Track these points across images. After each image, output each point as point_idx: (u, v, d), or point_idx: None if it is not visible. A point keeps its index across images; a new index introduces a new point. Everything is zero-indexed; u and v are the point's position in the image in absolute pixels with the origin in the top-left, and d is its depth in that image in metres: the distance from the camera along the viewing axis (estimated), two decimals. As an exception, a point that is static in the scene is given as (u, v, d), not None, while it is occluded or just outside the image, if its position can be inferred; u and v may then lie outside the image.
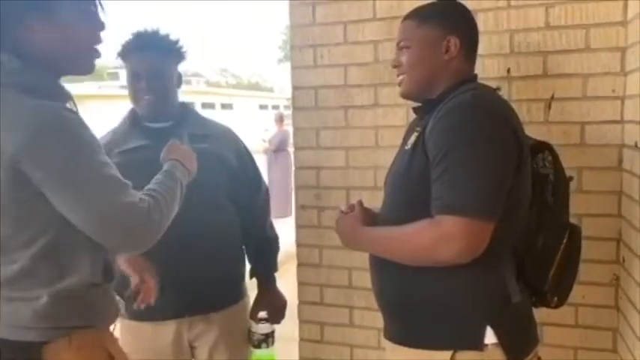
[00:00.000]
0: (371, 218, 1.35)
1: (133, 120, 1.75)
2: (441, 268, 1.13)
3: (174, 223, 1.55)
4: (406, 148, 1.26)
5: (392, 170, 1.35)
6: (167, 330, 1.69)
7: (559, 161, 1.29)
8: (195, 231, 1.60)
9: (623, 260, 1.60)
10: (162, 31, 1.72)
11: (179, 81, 1.77)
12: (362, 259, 1.88)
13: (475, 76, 1.31)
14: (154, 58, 1.66)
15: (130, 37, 1.69)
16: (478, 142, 1.11)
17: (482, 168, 1.09)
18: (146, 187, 1.22)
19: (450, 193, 1.10)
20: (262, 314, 1.72)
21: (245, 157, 1.82)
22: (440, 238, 1.09)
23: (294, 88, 1.98)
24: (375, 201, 1.89)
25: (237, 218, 1.78)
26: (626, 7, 1.57)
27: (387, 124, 1.87)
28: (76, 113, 1.14)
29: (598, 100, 1.63)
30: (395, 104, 1.84)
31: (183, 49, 1.75)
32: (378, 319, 1.88)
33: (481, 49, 1.36)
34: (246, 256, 1.85)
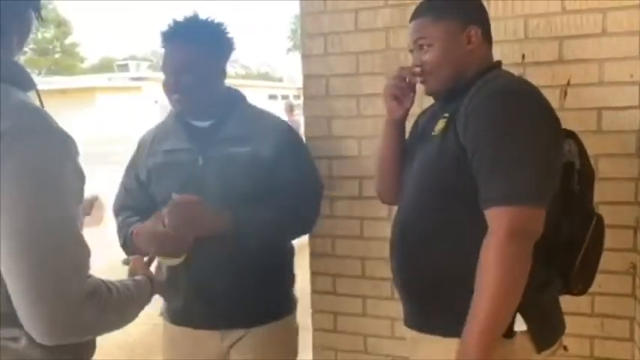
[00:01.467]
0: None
1: (177, 115, 1.62)
2: (473, 251, 1.10)
3: (211, 242, 1.49)
4: (433, 134, 1.24)
5: (415, 159, 1.31)
6: (202, 339, 1.61)
7: (584, 150, 1.28)
8: (230, 241, 1.49)
9: (641, 248, 1.58)
10: (202, 19, 1.54)
11: (222, 74, 1.59)
12: (375, 249, 1.91)
13: (499, 62, 1.31)
14: (184, 51, 1.49)
15: (167, 24, 1.53)
16: (524, 132, 1.10)
17: (530, 153, 1.09)
18: (116, 281, 1.05)
19: (503, 183, 1.09)
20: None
21: (288, 157, 1.56)
22: (507, 236, 1.07)
23: (305, 76, 1.96)
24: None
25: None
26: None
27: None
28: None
29: (615, 85, 1.60)
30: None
31: (226, 39, 1.57)
32: (391, 309, 1.90)
33: (495, 35, 1.34)
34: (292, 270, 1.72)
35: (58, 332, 0.92)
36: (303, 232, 1.73)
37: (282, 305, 1.66)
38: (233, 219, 1.45)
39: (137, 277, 1.19)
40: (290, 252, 1.71)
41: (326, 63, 1.92)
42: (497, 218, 1.08)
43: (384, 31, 1.84)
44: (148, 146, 1.65)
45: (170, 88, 1.53)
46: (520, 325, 1.13)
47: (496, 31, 1.37)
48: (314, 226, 1.71)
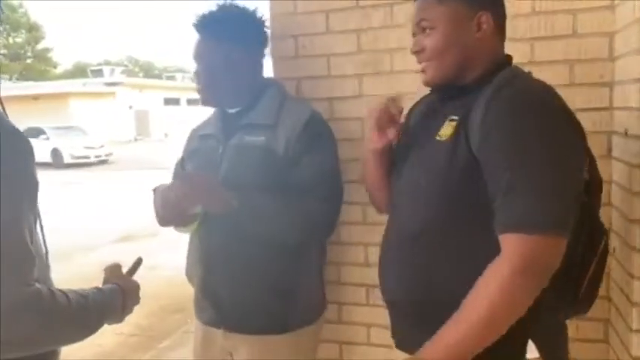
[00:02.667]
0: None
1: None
2: (481, 271, 1.00)
3: (217, 227, 1.51)
4: (439, 139, 1.10)
5: (412, 162, 1.19)
6: (209, 335, 1.64)
7: (593, 158, 1.15)
8: (236, 241, 1.50)
9: (614, 250, 1.57)
10: (233, 7, 1.55)
11: (252, 64, 1.59)
12: (378, 235, 1.81)
13: (510, 57, 1.18)
14: (206, 41, 1.54)
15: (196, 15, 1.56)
16: (552, 148, 0.98)
17: (555, 176, 0.97)
18: (76, 290, 1.02)
19: (523, 207, 0.96)
20: None
21: (303, 151, 1.49)
22: (528, 256, 0.95)
23: (275, 79, 1.92)
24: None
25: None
26: (613, -10, 1.54)
27: (372, 115, 1.82)
28: None
29: (586, 86, 1.60)
30: (380, 94, 1.79)
31: (255, 30, 1.58)
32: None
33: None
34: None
35: None
36: (313, 236, 1.57)
37: (290, 318, 1.55)
38: (237, 200, 1.43)
39: (104, 286, 1.16)
40: (310, 263, 1.61)
41: (297, 65, 1.88)
42: (513, 245, 0.96)
43: (355, 32, 1.81)
44: (194, 132, 1.73)
45: (197, 77, 1.58)
46: (533, 351, 1.05)
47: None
48: (328, 230, 1.57)
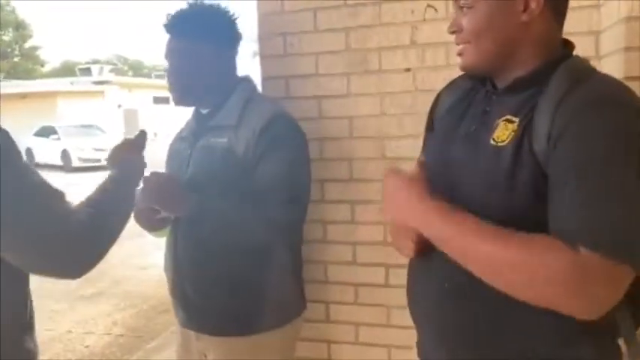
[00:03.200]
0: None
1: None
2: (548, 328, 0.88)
3: (183, 231, 1.51)
4: (494, 143, 0.93)
5: (463, 175, 0.99)
6: (185, 336, 1.64)
7: None
8: (201, 244, 1.49)
9: None
10: (204, 7, 1.54)
11: (223, 63, 1.56)
12: (367, 234, 1.84)
13: (572, 46, 1.02)
14: (175, 42, 1.53)
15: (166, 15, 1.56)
16: (633, 155, 0.81)
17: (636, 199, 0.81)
18: (88, 197, 1.09)
19: (601, 224, 0.79)
20: None
21: (265, 151, 1.45)
22: (584, 277, 0.78)
23: (264, 78, 1.91)
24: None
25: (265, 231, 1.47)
26: (599, -10, 1.55)
27: (361, 114, 1.82)
28: None
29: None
30: (368, 93, 1.80)
31: (226, 28, 1.55)
32: (383, 297, 1.85)
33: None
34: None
35: (70, 252, 0.97)
36: (275, 238, 1.53)
37: (256, 319, 1.52)
38: (196, 202, 1.42)
39: (111, 172, 1.23)
40: (278, 265, 1.56)
41: (285, 64, 1.88)
42: (583, 258, 0.79)
43: (343, 31, 1.80)
44: (177, 134, 1.73)
45: (168, 75, 1.57)
46: None
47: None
48: (290, 232, 1.55)
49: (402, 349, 1.87)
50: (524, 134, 0.89)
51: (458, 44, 1.02)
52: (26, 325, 1.09)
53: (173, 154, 1.67)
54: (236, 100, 1.55)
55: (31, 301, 1.12)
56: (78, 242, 0.98)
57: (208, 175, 1.50)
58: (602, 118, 0.83)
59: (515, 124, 0.91)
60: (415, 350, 1.74)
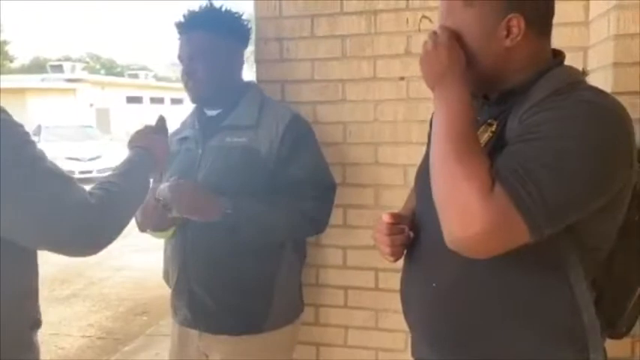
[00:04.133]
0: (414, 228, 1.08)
1: (196, 106, 1.68)
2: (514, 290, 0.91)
3: (193, 230, 1.51)
4: None
5: None
6: (186, 335, 1.63)
7: None
8: (209, 240, 1.50)
9: None
10: (218, 8, 1.56)
11: (237, 63, 1.62)
12: (358, 238, 1.87)
13: (562, 56, 1.03)
14: (195, 39, 1.54)
15: (183, 14, 1.57)
16: (594, 145, 0.83)
17: (583, 177, 0.82)
18: (103, 179, 1.12)
19: (533, 179, 0.81)
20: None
21: (289, 151, 1.52)
22: (494, 214, 0.80)
23: (259, 81, 1.93)
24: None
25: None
26: (587, 7, 1.61)
27: (355, 120, 1.85)
28: None
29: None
30: (363, 100, 1.83)
31: (241, 30, 1.59)
32: (372, 300, 1.89)
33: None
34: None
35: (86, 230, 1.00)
36: (310, 234, 1.68)
37: (265, 319, 1.55)
38: (230, 207, 1.44)
39: (130, 153, 1.24)
40: (288, 265, 1.61)
41: (281, 69, 1.90)
42: (501, 201, 0.81)
43: (340, 38, 1.84)
44: (171, 136, 1.67)
45: (184, 75, 1.56)
46: None
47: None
48: (322, 226, 1.62)
49: (390, 351, 1.90)
50: (500, 134, 0.94)
51: None
52: (36, 321, 1.10)
53: (176, 156, 1.65)
54: (251, 101, 1.60)
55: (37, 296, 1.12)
56: (88, 224, 0.99)
57: (229, 173, 1.51)
58: (573, 116, 0.85)
59: (494, 126, 0.97)
60: (402, 353, 1.79)
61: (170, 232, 1.55)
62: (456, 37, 0.98)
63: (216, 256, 1.52)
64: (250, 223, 1.47)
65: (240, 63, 1.64)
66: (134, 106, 30.86)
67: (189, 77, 1.55)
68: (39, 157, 0.99)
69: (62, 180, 1.00)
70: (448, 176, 0.87)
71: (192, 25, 1.55)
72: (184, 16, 1.57)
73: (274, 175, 1.52)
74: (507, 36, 0.95)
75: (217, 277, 1.53)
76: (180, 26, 1.57)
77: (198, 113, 1.66)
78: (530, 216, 0.80)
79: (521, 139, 0.86)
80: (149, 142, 1.31)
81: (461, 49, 0.98)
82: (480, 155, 0.87)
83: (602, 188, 0.86)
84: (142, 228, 1.55)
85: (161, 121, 1.46)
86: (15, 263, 1.00)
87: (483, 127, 0.98)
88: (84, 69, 33.65)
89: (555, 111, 0.87)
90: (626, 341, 1.52)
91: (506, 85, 1.00)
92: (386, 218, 1.10)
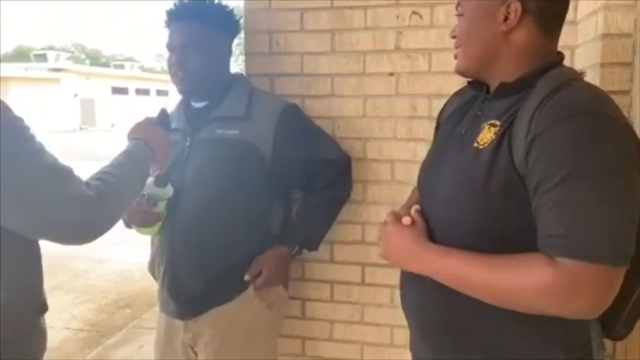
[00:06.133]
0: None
1: (183, 97, 1.66)
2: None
3: (175, 217, 1.50)
4: (476, 146, 0.97)
5: (446, 175, 1.05)
6: (173, 326, 1.63)
7: None
8: (193, 232, 1.51)
9: None
10: (208, 0, 1.56)
11: (226, 55, 1.62)
12: (344, 233, 1.87)
13: (562, 56, 1.04)
14: (187, 28, 1.52)
15: (173, 3, 1.55)
16: (608, 163, 0.84)
17: (616, 199, 0.83)
18: (100, 169, 1.13)
19: (578, 231, 0.82)
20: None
21: (287, 146, 1.54)
22: (569, 286, 0.82)
23: (248, 75, 1.92)
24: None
25: (258, 223, 1.58)
26: (576, 7, 1.63)
27: (343, 115, 1.85)
28: None
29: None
30: (352, 95, 1.83)
31: (231, 22, 1.59)
32: (358, 295, 1.90)
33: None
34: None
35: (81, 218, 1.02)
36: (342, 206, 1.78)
37: (239, 282, 1.57)
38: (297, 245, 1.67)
39: (129, 145, 1.25)
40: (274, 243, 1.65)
41: (270, 62, 1.89)
42: (567, 268, 0.83)
43: (329, 32, 1.83)
44: None
45: (172, 65, 1.53)
46: None
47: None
48: (348, 196, 1.77)
49: (375, 346, 1.91)
50: (503, 137, 0.93)
51: (455, 48, 1.10)
52: (42, 305, 1.13)
53: None
54: (239, 93, 1.60)
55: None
56: (86, 216, 1.02)
57: (221, 165, 1.51)
58: (574, 121, 0.86)
59: (497, 127, 0.96)
60: (388, 347, 1.80)
61: (156, 228, 1.55)
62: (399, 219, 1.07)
63: (206, 248, 1.52)
64: (315, 239, 1.71)
65: (229, 55, 1.64)
66: (119, 97, 30.58)
67: (180, 67, 1.52)
68: (39, 152, 1.00)
69: (61, 174, 1.02)
70: (509, 299, 0.89)
71: (184, 15, 1.53)
72: (176, 4, 1.55)
73: (270, 165, 1.53)
74: (505, 20, 0.98)
75: (207, 267, 1.54)
76: (171, 15, 1.55)
77: (185, 105, 1.65)
78: (601, 256, 0.82)
79: (540, 193, 0.87)
80: (149, 135, 1.30)
81: (424, 231, 1.05)
82: (510, 260, 0.89)
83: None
84: (128, 224, 1.54)
85: (163, 113, 1.45)
86: (17, 249, 1.03)
87: (487, 127, 0.98)
88: (68, 59, 33.26)
89: (555, 142, 0.86)
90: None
91: (502, 77, 1.01)
92: (406, 221, 1.08)
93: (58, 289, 4.95)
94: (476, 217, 0.95)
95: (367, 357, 1.93)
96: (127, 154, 1.21)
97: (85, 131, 27.06)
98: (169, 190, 1.50)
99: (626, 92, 1.42)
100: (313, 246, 1.72)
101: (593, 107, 0.88)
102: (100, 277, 5.41)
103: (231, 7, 1.60)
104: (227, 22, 1.59)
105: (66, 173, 1.02)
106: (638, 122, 1.40)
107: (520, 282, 0.86)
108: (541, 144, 0.86)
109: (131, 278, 5.18)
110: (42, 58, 31.85)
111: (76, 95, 27.75)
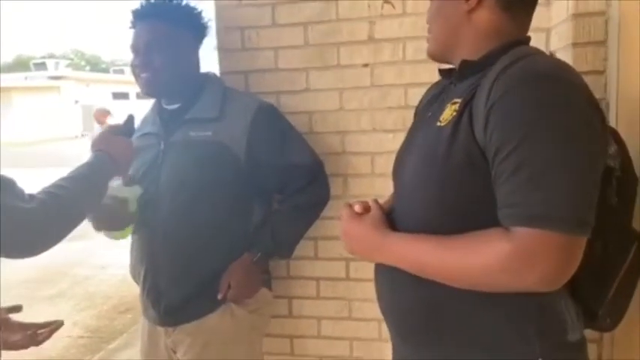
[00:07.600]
0: (389, 222, 1.03)
1: (156, 101, 1.63)
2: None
3: (152, 221, 1.48)
4: (439, 125, 0.95)
5: (412, 156, 1.04)
6: (155, 332, 1.62)
7: (627, 152, 1.01)
8: (170, 237, 1.49)
9: None
10: (175, 0, 1.53)
11: (194, 56, 1.58)
12: (328, 228, 1.84)
13: (527, 37, 1.04)
14: (152, 27, 1.48)
15: (140, 3, 1.52)
16: (565, 127, 0.80)
17: (574, 163, 0.80)
18: (54, 182, 1.11)
19: (532, 198, 0.79)
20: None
21: (260, 147, 1.51)
22: (524, 257, 0.79)
23: (222, 72, 1.89)
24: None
25: (238, 227, 1.55)
26: (549, -13, 1.59)
27: (320, 109, 1.82)
28: None
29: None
30: (328, 89, 1.80)
31: (198, 22, 1.56)
32: (344, 290, 1.88)
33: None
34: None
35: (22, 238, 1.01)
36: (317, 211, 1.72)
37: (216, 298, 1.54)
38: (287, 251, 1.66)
39: (90, 157, 1.23)
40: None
41: (244, 58, 1.86)
42: (524, 238, 0.80)
43: (302, 25, 1.80)
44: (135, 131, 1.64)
45: (137, 67, 1.50)
46: None
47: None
48: (327, 201, 1.71)
49: (364, 341, 1.89)
50: (463, 112, 0.92)
51: (428, 34, 1.10)
52: None
53: (140, 151, 1.57)
54: (212, 93, 1.57)
55: None
56: (21, 228, 1.00)
57: (194, 168, 1.48)
58: (530, 87, 0.83)
59: (458, 104, 0.95)
60: (376, 342, 1.78)
61: (127, 232, 1.53)
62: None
63: (185, 252, 1.50)
64: (283, 247, 1.64)
65: (197, 56, 1.60)
66: (120, 102, 30.61)
67: (145, 68, 1.49)
68: None
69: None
70: (467, 275, 0.87)
71: (149, 15, 1.51)
72: (142, 5, 1.53)
73: (245, 167, 1.50)
74: (466, 0, 0.99)
75: (186, 274, 1.52)
76: (136, 15, 1.53)
77: (158, 108, 1.62)
78: (556, 222, 0.78)
79: (497, 162, 0.84)
80: (110, 145, 1.29)
81: (382, 219, 1.04)
82: (469, 239, 0.87)
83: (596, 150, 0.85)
84: (97, 228, 1.52)
85: (129, 120, 1.43)
86: None
87: (449, 106, 0.97)
88: (68, 66, 33.36)
89: (511, 108, 0.84)
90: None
91: (467, 54, 1.01)
92: (358, 209, 1.07)
93: (60, 296, 4.96)
94: (440, 194, 0.93)
95: (357, 352, 1.91)
96: (86, 167, 1.20)
97: (86, 138, 27.08)
98: (137, 190, 1.49)
99: (600, 72, 1.38)
100: (283, 253, 1.67)
101: (550, 72, 0.86)
102: (102, 282, 5.41)
103: (199, 9, 1.57)
104: (194, 22, 1.56)
105: (3, 184, 1.00)
106: (614, 102, 1.36)
107: (478, 260, 0.84)
108: (497, 112, 0.84)
109: (132, 283, 5.17)
110: (41, 66, 31.95)
111: (76, 102, 27.79)
